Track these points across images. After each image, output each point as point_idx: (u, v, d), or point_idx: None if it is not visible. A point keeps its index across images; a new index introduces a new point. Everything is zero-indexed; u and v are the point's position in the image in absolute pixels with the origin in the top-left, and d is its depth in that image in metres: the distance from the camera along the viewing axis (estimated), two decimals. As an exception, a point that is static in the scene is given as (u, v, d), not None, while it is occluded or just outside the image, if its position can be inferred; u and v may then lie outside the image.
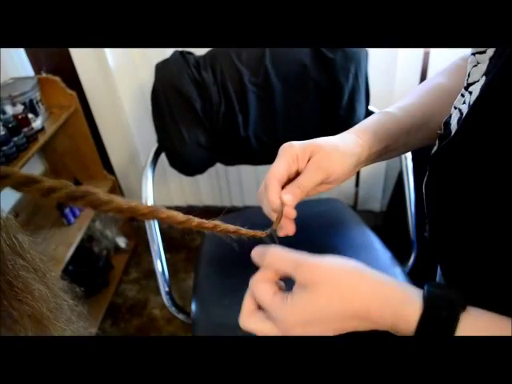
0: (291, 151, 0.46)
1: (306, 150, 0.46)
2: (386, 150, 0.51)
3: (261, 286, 0.38)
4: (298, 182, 0.45)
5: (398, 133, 0.50)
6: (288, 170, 0.46)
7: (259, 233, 0.43)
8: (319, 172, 0.45)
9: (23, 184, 0.24)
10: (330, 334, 0.35)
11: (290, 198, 0.44)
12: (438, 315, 0.32)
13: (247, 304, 0.39)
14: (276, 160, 0.47)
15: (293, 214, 0.45)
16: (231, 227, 0.40)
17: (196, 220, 0.36)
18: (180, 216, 0.34)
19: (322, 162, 0.46)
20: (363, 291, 0.34)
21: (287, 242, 0.42)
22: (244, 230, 0.41)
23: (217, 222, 0.38)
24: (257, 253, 0.40)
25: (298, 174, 0.47)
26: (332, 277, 0.35)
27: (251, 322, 0.38)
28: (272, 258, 0.38)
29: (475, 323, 0.32)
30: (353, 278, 0.35)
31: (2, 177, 0.23)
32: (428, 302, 0.33)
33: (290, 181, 0.47)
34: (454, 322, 0.32)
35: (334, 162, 0.46)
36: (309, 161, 0.47)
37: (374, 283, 0.35)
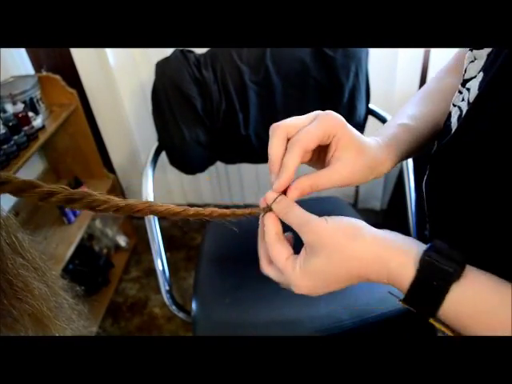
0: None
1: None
2: (398, 162, 0.49)
3: (276, 249, 0.41)
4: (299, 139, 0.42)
5: (417, 144, 0.49)
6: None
7: (256, 209, 0.43)
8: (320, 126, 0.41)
9: (22, 190, 0.24)
10: (333, 290, 0.39)
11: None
12: (428, 284, 0.33)
13: (263, 255, 0.44)
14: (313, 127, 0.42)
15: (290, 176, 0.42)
16: (227, 211, 0.41)
17: (192, 209, 0.38)
18: (176, 208, 0.36)
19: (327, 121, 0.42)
20: (363, 257, 0.36)
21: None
22: (239, 211, 0.42)
23: (213, 209, 0.40)
24: (270, 197, 0.42)
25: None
26: (334, 243, 0.37)
27: (270, 270, 0.44)
28: (283, 207, 0.42)
29: (466, 293, 0.33)
30: (354, 244, 0.37)
31: (1, 183, 0.23)
32: (421, 270, 0.34)
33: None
34: (443, 291, 0.33)
35: (342, 129, 0.42)
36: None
37: (374, 248, 0.36)
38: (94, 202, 0.28)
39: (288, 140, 0.42)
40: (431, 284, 0.33)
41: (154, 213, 0.34)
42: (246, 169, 1.71)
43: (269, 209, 0.43)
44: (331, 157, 0.43)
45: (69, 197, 0.26)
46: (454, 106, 0.43)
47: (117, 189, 1.75)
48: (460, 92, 0.42)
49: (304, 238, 0.39)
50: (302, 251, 0.40)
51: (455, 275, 0.33)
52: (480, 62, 0.38)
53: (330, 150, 0.43)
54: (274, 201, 0.42)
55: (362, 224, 0.38)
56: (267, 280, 0.43)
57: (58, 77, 1.43)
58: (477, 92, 0.37)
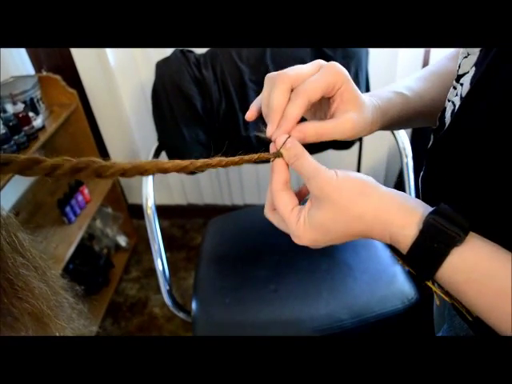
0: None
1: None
2: (385, 127, 0.49)
3: (280, 198, 0.40)
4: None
5: (407, 116, 0.49)
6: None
7: (265, 154, 0.42)
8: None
9: (27, 167, 0.24)
10: (334, 243, 0.39)
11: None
12: (429, 245, 0.33)
13: (268, 202, 0.43)
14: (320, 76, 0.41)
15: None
16: (235, 158, 0.40)
17: (199, 161, 0.36)
18: (183, 162, 0.35)
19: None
20: (368, 219, 0.36)
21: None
22: (248, 157, 0.41)
23: (221, 158, 0.38)
24: (280, 141, 0.40)
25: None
26: (342, 202, 0.36)
27: (273, 217, 0.43)
28: (293, 155, 0.40)
29: (466, 258, 0.32)
30: (360, 204, 0.36)
31: (5, 164, 0.23)
32: (423, 231, 0.34)
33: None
34: (443, 254, 0.33)
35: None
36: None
37: (378, 207, 0.36)
38: (100, 169, 0.27)
39: (291, 91, 0.41)
40: (432, 246, 0.33)
41: (162, 170, 0.32)
42: (246, 169, 1.71)
43: (278, 154, 0.41)
44: (335, 109, 0.42)
45: (74, 167, 0.26)
46: (449, 101, 0.43)
47: (117, 189, 1.75)
48: (454, 88, 0.42)
49: (311, 190, 0.38)
50: (308, 203, 0.39)
51: (457, 239, 0.32)
52: (473, 58, 0.38)
53: (333, 102, 0.42)
54: (283, 146, 0.40)
55: (371, 183, 0.37)
56: (267, 280, 0.43)
57: (58, 77, 1.43)
58: (469, 87, 0.37)
